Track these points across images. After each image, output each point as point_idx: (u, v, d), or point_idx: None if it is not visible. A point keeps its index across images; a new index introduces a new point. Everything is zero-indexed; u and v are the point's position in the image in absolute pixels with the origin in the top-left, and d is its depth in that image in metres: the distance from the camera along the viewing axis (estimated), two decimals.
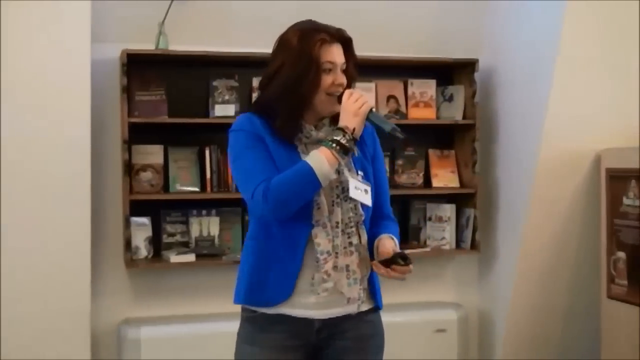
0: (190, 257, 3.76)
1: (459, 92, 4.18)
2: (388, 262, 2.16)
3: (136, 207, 3.73)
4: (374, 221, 2.33)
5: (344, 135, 2.16)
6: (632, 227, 3.62)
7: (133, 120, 3.68)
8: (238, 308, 2.32)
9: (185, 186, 3.85)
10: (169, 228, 3.89)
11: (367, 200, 2.24)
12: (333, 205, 2.22)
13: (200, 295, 3.96)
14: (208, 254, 3.83)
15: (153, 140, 3.84)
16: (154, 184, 3.81)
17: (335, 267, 2.19)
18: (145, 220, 3.80)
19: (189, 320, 3.88)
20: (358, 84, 3.97)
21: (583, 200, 3.93)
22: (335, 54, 2.23)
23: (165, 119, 3.77)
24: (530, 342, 4.16)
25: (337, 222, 2.21)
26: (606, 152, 3.81)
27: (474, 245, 4.16)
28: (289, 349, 2.23)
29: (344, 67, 2.26)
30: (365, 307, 2.29)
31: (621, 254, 3.71)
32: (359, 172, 2.27)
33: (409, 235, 4.26)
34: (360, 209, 2.25)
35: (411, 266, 2.16)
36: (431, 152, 4.25)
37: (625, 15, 3.68)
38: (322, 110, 2.26)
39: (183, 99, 3.84)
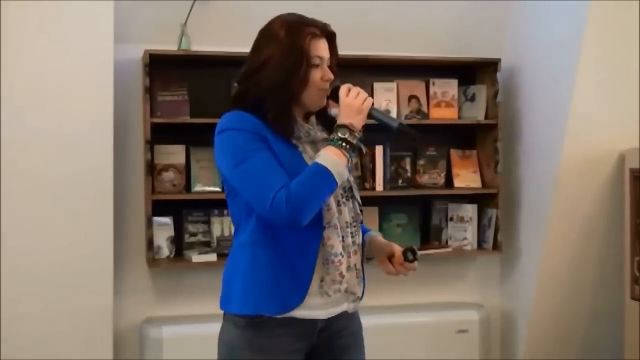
0: (212, 257, 3.77)
1: (481, 91, 4.16)
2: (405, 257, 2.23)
3: (158, 207, 3.75)
4: None
5: (351, 133, 2.12)
6: None
7: (155, 120, 3.69)
8: None
9: (207, 186, 3.85)
10: (191, 228, 3.90)
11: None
12: (339, 205, 2.19)
13: None
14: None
15: (175, 140, 3.85)
16: (176, 184, 3.82)
17: (348, 268, 2.19)
18: (167, 220, 3.82)
19: (211, 319, 3.79)
20: (380, 84, 4.05)
21: (606, 201, 3.90)
22: (323, 49, 2.19)
23: (187, 119, 3.78)
24: (552, 343, 4.14)
25: (347, 222, 2.19)
26: (630, 152, 3.78)
27: (496, 246, 4.14)
28: (294, 353, 2.19)
29: (329, 62, 2.21)
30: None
31: None
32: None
33: (430, 236, 4.22)
34: (358, 207, 2.25)
35: (416, 263, 2.23)
36: (453, 152, 4.24)
37: None
38: (310, 106, 2.21)
39: (205, 99, 3.84)
